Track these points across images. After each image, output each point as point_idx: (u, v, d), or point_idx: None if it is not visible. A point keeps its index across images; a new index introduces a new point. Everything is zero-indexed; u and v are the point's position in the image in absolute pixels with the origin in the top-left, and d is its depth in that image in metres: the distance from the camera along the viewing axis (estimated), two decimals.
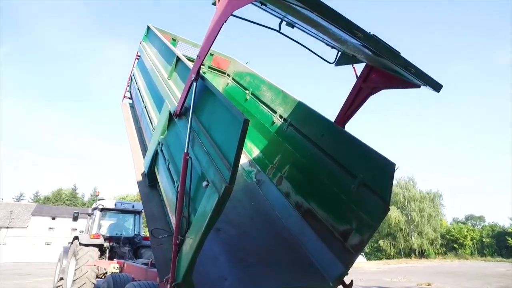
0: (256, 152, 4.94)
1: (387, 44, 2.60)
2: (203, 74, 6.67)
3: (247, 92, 5.57)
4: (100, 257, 7.30)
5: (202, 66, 6.47)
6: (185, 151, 2.65)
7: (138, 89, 5.87)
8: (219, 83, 6.49)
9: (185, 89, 3.01)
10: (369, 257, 46.04)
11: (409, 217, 46.24)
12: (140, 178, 4.04)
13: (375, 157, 3.20)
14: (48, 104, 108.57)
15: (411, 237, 45.45)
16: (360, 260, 41.18)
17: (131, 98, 6.79)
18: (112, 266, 5.30)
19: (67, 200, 64.49)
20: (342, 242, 3.22)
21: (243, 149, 5.13)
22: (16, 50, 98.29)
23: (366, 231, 3.07)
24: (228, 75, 6.57)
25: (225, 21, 2.38)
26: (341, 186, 3.44)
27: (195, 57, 6.08)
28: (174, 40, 6.28)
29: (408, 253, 45.16)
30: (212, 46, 2.68)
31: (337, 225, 3.35)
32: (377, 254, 47.03)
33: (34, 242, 42.35)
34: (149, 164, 3.86)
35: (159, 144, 3.63)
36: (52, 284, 9.19)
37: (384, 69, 3.29)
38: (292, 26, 3.26)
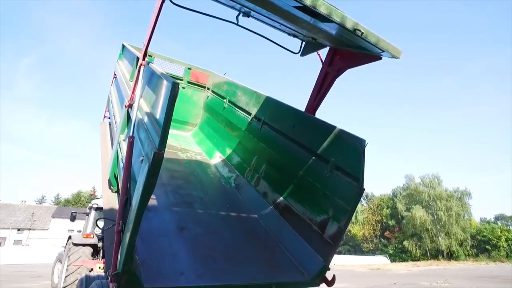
0: (235, 158, 4.94)
1: (327, 2, 2.55)
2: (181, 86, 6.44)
3: (225, 100, 5.66)
4: (94, 256, 7.17)
5: (180, 82, 6.68)
6: (130, 134, 2.64)
7: (112, 103, 6.01)
8: (200, 97, 6.67)
9: (135, 77, 3.11)
10: (393, 258, 44.14)
11: (435, 216, 43.99)
12: (106, 185, 3.96)
13: (345, 137, 3.13)
14: (70, 111, 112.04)
15: (438, 238, 43.18)
16: (385, 262, 39.41)
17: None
18: (98, 266, 5.18)
19: (86, 202, 65.56)
20: (320, 234, 3.11)
21: (223, 157, 5.17)
22: (36, 61, 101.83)
23: (342, 218, 2.95)
24: (208, 88, 6.68)
25: (161, 5, 2.74)
26: (315, 174, 3.36)
27: (172, 72, 6.64)
28: (150, 56, 6.28)
29: (435, 254, 42.98)
30: (153, 32, 3.03)
31: (315, 217, 3.25)
32: (401, 255, 44.98)
33: (55, 243, 43.08)
34: (111, 167, 3.75)
35: (118, 144, 3.57)
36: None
37: (346, 47, 3.37)
38: (248, 16, 3.23)
